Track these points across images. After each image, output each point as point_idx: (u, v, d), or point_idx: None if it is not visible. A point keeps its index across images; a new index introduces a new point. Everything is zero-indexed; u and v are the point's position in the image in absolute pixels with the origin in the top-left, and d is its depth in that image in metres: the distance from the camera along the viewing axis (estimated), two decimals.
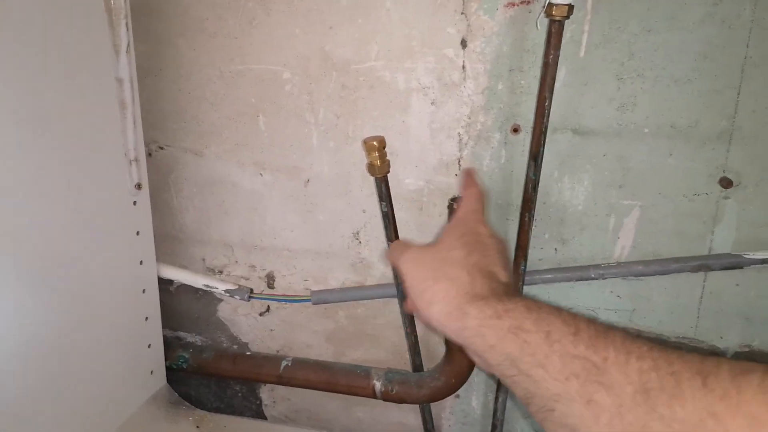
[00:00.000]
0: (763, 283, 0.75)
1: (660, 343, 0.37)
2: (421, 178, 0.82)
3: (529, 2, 0.71)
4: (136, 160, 0.77)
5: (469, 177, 0.65)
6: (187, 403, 0.92)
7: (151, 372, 0.87)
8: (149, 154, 0.91)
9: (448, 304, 0.47)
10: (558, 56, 0.66)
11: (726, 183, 0.72)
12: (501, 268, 0.52)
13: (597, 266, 0.78)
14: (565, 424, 0.37)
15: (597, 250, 0.79)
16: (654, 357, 0.35)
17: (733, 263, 0.73)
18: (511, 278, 0.53)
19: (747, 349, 0.78)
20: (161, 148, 0.91)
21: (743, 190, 0.72)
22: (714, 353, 0.79)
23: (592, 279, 0.78)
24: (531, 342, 0.40)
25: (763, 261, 0.72)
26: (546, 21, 0.66)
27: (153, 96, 0.88)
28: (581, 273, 0.78)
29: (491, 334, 0.43)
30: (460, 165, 0.80)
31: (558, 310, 0.42)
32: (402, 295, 0.81)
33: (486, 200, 0.68)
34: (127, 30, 0.72)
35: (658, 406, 0.33)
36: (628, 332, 0.39)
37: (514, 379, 0.41)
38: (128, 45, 0.73)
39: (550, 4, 0.63)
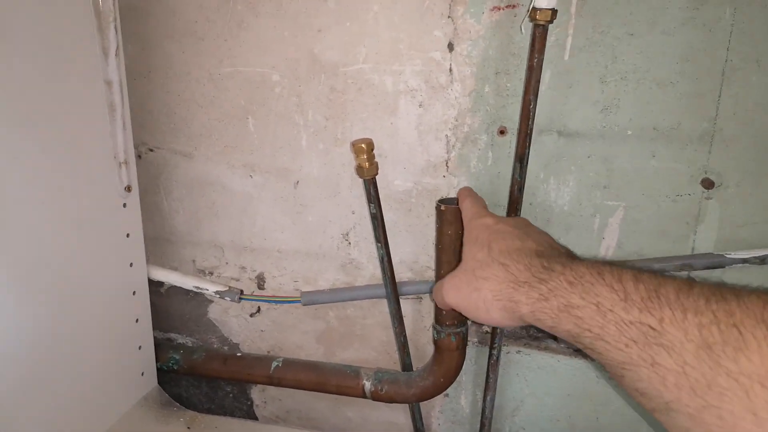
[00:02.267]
0: (744, 282, 0.76)
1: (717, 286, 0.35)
2: (410, 180, 0.83)
3: (514, 6, 0.72)
4: (126, 162, 0.77)
5: (460, 193, 0.69)
6: (178, 404, 0.92)
7: (142, 373, 0.88)
8: (139, 156, 0.91)
9: (500, 301, 0.47)
10: (542, 60, 0.67)
11: (708, 184, 0.73)
12: (528, 240, 0.51)
13: None
14: (635, 389, 0.37)
15: (582, 250, 0.80)
16: (713, 309, 0.34)
17: (715, 263, 0.74)
18: (545, 237, 0.52)
19: None
20: (151, 150, 0.91)
21: (725, 190, 0.74)
22: None
23: None
24: (584, 317, 0.40)
25: (744, 260, 0.73)
26: (530, 25, 0.67)
27: (142, 98, 0.88)
28: None
29: (546, 317, 0.43)
30: (447, 167, 0.81)
31: (600, 273, 0.41)
32: (392, 295, 0.82)
33: (478, 198, 0.70)
34: (116, 32, 0.73)
35: (722, 360, 0.32)
36: (682, 283, 0.37)
37: (585, 351, 0.41)
38: (117, 47, 0.73)
39: (534, 9, 0.64)
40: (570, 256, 0.50)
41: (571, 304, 0.41)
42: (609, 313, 0.38)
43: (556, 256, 0.49)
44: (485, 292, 0.49)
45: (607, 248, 0.79)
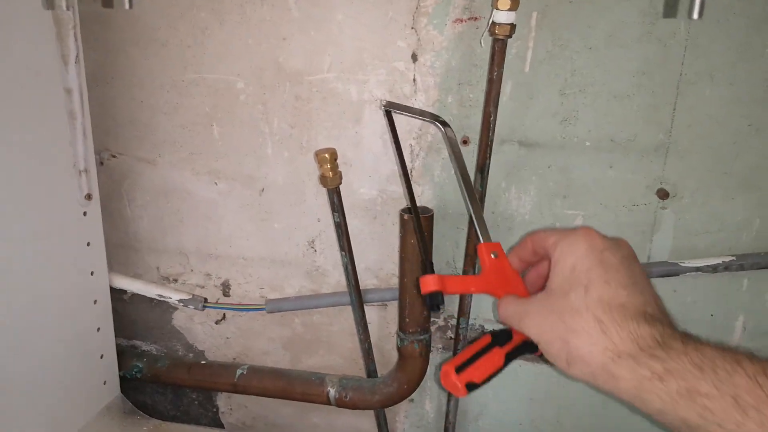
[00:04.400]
0: (698, 289, 0.79)
1: None
2: (375, 188, 0.83)
3: (476, 18, 0.73)
4: (86, 170, 0.76)
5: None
6: (141, 412, 0.91)
7: (104, 382, 0.87)
8: (101, 163, 0.90)
9: (589, 365, 0.40)
10: (502, 73, 0.68)
11: (663, 194, 0.75)
12: (635, 292, 0.41)
13: None
14: None
15: None
16: None
17: (671, 270, 0.77)
18: (654, 296, 0.42)
19: None
20: (113, 156, 0.90)
21: (679, 201, 0.76)
22: None
23: None
24: (714, 409, 0.34)
25: (698, 269, 0.75)
26: (490, 39, 0.68)
27: (105, 104, 0.87)
28: None
29: (655, 398, 0.37)
30: (412, 175, 0.82)
31: (737, 362, 0.35)
32: (356, 302, 0.82)
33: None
34: (76, 40, 0.72)
35: None
36: None
37: None
38: (77, 55, 0.72)
39: (494, 23, 0.65)
40: (677, 329, 0.41)
41: (698, 390, 0.35)
42: (752, 411, 0.33)
43: (667, 325, 0.40)
44: (573, 348, 0.40)
45: None
